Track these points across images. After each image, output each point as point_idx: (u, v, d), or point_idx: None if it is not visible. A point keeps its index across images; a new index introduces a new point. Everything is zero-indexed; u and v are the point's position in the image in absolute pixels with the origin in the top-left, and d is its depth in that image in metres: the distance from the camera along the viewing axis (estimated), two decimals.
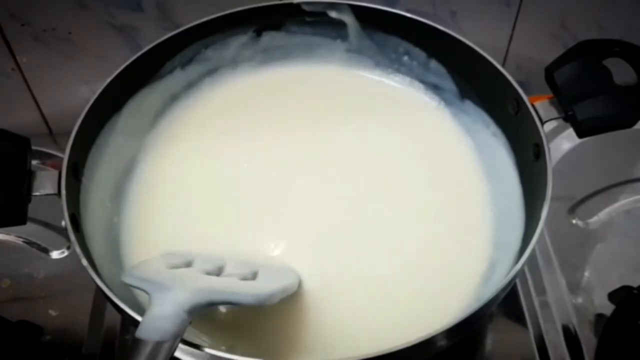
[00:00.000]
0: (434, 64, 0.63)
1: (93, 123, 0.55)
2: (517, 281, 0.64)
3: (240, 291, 0.45)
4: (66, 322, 0.62)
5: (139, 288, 0.44)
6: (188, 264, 0.49)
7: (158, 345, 0.39)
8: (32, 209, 0.50)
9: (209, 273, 0.48)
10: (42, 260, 0.66)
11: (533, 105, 0.54)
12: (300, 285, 0.52)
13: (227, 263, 0.51)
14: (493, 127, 0.60)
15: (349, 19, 0.63)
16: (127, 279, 0.45)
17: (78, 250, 0.47)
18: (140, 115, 0.61)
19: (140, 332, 0.39)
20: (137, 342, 0.39)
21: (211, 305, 0.43)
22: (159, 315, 0.40)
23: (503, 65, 0.57)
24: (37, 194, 0.50)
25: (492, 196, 0.58)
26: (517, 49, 0.77)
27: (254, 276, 0.50)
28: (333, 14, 0.63)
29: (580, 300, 0.63)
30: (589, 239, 0.67)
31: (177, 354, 0.45)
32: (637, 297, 0.62)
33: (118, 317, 0.60)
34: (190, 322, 0.41)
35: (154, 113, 0.63)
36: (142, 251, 0.55)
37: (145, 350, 0.38)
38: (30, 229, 0.58)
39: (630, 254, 0.66)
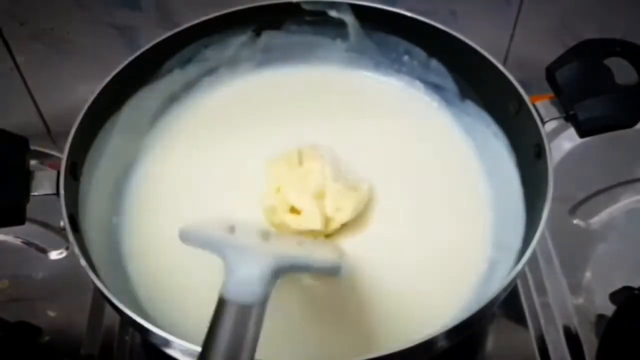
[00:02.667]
0: (434, 63, 0.63)
1: (92, 123, 0.55)
2: (518, 281, 0.64)
3: (318, 257, 0.44)
4: (65, 322, 0.62)
5: (208, 249, 0.42)
6: (232, 229, 0.45)
7: (246, 308, 0.37)
8: (31, 209, 0.50)
9: (263, 235, 0.45)
10: (41, 260, 0.66)
11: (534, 105, 0.54)
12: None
13: (271, 232, 0.48)
14: (494, 127, 0.60)
15: (349, 18, 0.63)
16: (190, 238, 0.42)
17: (77, 250, 0.47)
18: (139, 115, 0.61)
19: (229, 294, 0.37)
20: (222, 305, 0.37)
21: (291, 271, 0.42)
22: (246, 277, 0.38)
23: (504, 64, 0.57)
24: (36, 194, 0.50)
25: (493, 196, 0.58)
26: (518, 49, 0.77)
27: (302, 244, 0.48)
28: (333, 14, 0.63)
29: (581, 300, 0.63)
30: (590, 239, 0.67)
31: (176, 354, 0.44)
32: (638, 298, 0.62)
33: (117, 318, 0.60)
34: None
35: (153, 113, 0.63)
36: (141, 251, 0.55)
37: (232, 314, 0.36)
38: (28, 229, 0.57)
39: (631, 254, 0.66)
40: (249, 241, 0.43)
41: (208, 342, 0.36)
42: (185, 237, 0.43)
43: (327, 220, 0.53)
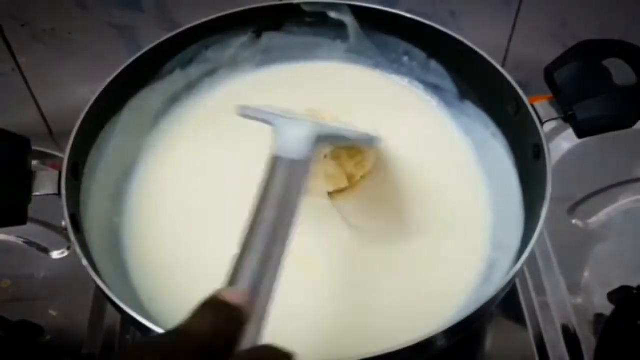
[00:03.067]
0: (433, 64, 0.63)
1: (93, 123, 0.55)
2: (517, 281, 0.64)
3: (356, 130, 0.50)
4: (66, 322, 0.62)
5: (261, 120, 0.47)
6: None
7: (295, 162, 0.42)
8: (33, 209, 0.50)
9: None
10: (43, 260, 0.66)
11: (533, 106, 0.54)
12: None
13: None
14: (493, 128, 0.60)
15: (348, 19, 0.63)
16: (246, 112, 0.48)
17: (78, 250, 0.47)
18: (140, 116, 0.61)
19: (280, 151, 0.42)
20: (275, 160, 0.42)
21: (332, 140, 0.49)
22: (293, 139, 0.44)
23: (503, 65, 0.57)
24: (38, 194, 0.50)
25: (492, 196, 0.58)
26: (517, 49, 0.77)
27: None
28: (333, 15, 0.63)
29: (579, 300, 0.63)
30: (589, 239, 0.67)
31: None
32: (636, 297, 0.62)
33: (118, 317, 0.60)
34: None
35: (154, 113, 0.63)
36: (142, 251, 0.55)
37: (284, 167, 0.41)
38: (30, 229, 0.57)
39: (629, 254, 0.66)
40: (297, 114, 0.50)
41: (264, 192, 0.40)
42: (243, 111, 0.49)
43: (349, 177, 0.57)
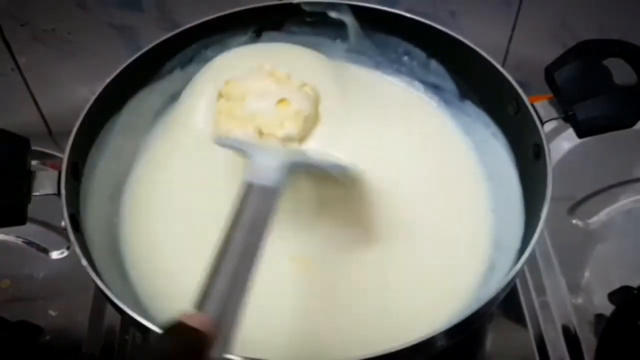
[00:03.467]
0: (434, 64, 0.63)
1: (93, 123, 0.55)
2: (517, 281, 0.64)
3: (328, 159, 0.51)
4: (66, 322, 0.62)
5: (236, 148, 0.50)
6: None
7: (266, 189, 0.43)
8: (32, 209, 0.50)
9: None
10: (42, 260, 0.66)
11: (533, 105, 0.54)
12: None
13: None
14: (493, 127, 0.60)
15: (348, 19, 0.63)
16: (222, 141, 0.50)
17: (78, 250, 0.47)
18: (140, 116, 0.61)
19: (252, 178, 0.44)
20: (247, 187, 0.43)
21: (305, 167, 0.50)
22: (265, 166, 0.45)
23: (503, 65, 0.57)
24: (37, 194, 0.50)
25: (492, 196, 0.58)
26: (517, 49, 0.77)
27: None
28: (333, 14, 0.63)
29: (580, 300, 0.63)
30: (589, 239, 0.67)
31: None
32: (637, 298, 0.62)
33: (118, 318, 0.60)
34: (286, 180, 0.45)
35: (154, 113, 0.63)
36: (142, 251, 0.55)
37: (255, 194, 0.43)
38: (30, 229, 0.57)
39: (630, 254, 0.66)
40: (271, 144, 0.53)
41: (234, 217, 0.41)
42: (219, 141, 0.51)
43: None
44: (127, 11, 0.70)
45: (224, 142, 0.51)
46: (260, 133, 0.57)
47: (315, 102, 0.59)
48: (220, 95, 0.59)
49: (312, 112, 0.58)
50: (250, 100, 0.57)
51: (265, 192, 0.43)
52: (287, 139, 0.57)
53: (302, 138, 0.57)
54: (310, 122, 0.58)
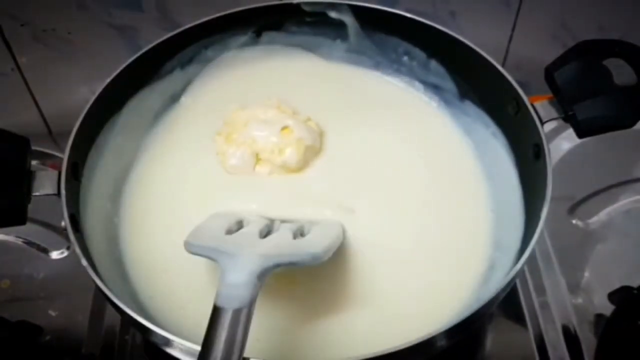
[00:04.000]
0: (433, 64, 0.63)
1: (93, 123, 0.55)
2: (517, 281, 0.64)
3: (300, 252, 0.47)
4: (66, 322, 0.62)
5: (207, 257, 0.46)
6: (239, 223, 0.51)
7: (237, 312, 0.41)
8: (32, 209, 0.50)
9: (261, 232, 0.49)
10: (42, 260, 0.66)
11: (533, 106, 0.54)
12: (344, 234, 0.54)
13: (275, 221, 0.53)
14: (493, 127, 0.60)
15: (348, 19, 0.63)
16: (193, 249, 0.46)
17: (78, 250, 0.47)
18: (140, 116, 0.61)
19: (221, 301, 0.41)
20: (216, 312, 0.41)
21: (277, 268, 0.45)
22: (235, 284, 0.42)
23: (503, 65, 0.57)
24: (37, 194, 0.50)
25: (492, 196, 0.58)
26: (517, 49, 0.77)
27: (302, 232, 0.51)
28: (333, 14, 0.63)
29: (580, 300, 0.63)
30: (589, 239, 0.67)
31: (176, 353, 0.45)
32: (636, 298, 0.62)
33: (118, 318, 0.60)
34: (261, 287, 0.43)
35: (154, 113, 0.63)
36: (142, 251, 0.55)
37: (226, 318, 0.40)
38: (30, 229, 0.58)
39: (630, 254, 0.67)
40: (243, 242, 0.47)
41: (205, 346, 0.40)
42: (189, 247, 0.47)
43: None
44: (127, 11, 0.70)
45: (194, 249, 0.46)
46: (258, 158, 0.57)
47: (319, 136, 0.60)
48: (224, 123, 0.60)
49: (314, 144, 0.58)
50: (252, 125, 0.57)
51: (238, 315, 0.41)
52: (285, 167, 0.57)
53: (300, 168, 0.58)
54: (311, 153, 0.58)
